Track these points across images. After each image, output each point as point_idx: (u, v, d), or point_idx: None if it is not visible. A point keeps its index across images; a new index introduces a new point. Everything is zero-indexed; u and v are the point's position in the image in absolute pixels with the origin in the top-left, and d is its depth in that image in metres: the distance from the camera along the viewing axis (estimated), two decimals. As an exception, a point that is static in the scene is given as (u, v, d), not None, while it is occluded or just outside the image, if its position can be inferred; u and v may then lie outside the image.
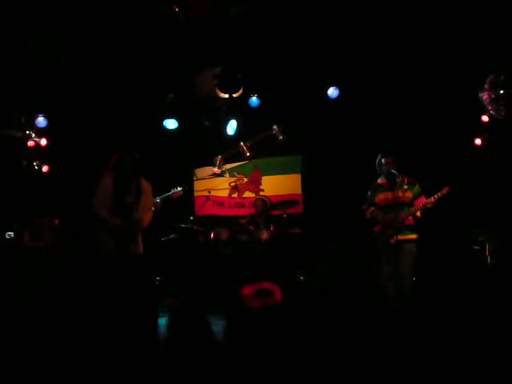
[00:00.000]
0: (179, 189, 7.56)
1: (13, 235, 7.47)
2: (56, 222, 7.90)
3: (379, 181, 6.72)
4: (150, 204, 6.41)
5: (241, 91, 7.81)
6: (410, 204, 6.48)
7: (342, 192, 8.39)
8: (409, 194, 6.49)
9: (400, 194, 6.37)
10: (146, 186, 6.36)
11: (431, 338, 4.63)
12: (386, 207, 6.55)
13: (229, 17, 6.55)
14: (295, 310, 5.24)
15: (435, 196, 6.33)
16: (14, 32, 7.03)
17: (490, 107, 7.31)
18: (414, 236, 6.53)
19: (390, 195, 6.52)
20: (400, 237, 6.32)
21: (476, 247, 7.51)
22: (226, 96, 7.78)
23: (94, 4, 6.64)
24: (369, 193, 6.75)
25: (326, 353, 3.67)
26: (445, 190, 6.31)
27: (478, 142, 8.28)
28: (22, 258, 7.01)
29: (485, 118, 7.93)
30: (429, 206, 6.35)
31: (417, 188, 6.55)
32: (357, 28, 7.40)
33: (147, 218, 6.25)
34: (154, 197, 6.78)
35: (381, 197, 6.61)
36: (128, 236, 5.99)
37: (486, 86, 7.24)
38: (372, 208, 6.64)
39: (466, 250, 7.59)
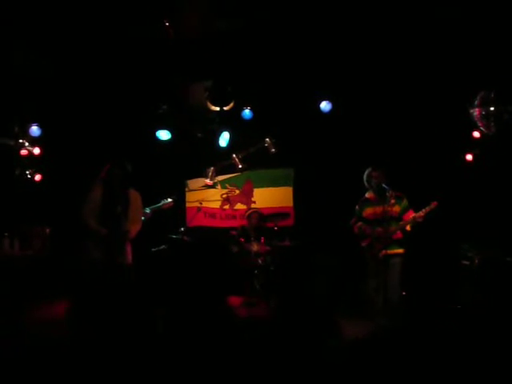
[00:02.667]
0: (169, 200, 7.60)
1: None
2: (47, 230, 7.92)
3: (367, 195, 6.74)
4: (138, 215, 6.43)
5: (232, 104, 7.84)
6: (398, 218, 6.51)
7: (333, 205, 8.40)
8: (396, 208, 6.51)
9: (388, 208, 6.40)
10: (135, 197, 6.38)
11: (418, 353, 4.61)
12: (374, 221, 6.56)
13: (220, 32, 6.60)
14: (285, 323, 5.24)
15: (424, 210, 6.36)
16: (7, 42, 7.07)
17: (480, 123, 7.35)
18: (401, 250, 6.55)
19: (378, 209, 6.54)
20: (388, 251, 6.35)
21: (465, 262, 7.52)
22: (217, 109, 7.82)
23: (89, 17, 6.68)
24: (356, 207, 6.77)
25: (313, 366, 3.67)
26: (433, 205, 6.35)
27: (469, 157, 8.32)
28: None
29: (476, 134, 7.96)
30: (419, 220, 6.38)
31: (404, 202, 6.58)
32: (349, 43, 7.44)
33: (135, 229, 6.28)
34: (144, 207, 6.81)
35: (369, 211, 6.64)
36: (115, 246, 6.01)
37: (476, 102, 7.29)
38: (360, 223, 6.66)
39: (455, 264, 7.59)
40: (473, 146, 8.13)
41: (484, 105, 7.22)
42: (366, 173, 6.72)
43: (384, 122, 8.36)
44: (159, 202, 7.58)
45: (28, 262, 7.26)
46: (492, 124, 7.29)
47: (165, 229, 8.30)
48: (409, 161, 8.18)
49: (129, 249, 6.27)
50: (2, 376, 3.38)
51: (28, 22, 6.40)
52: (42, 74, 7.51)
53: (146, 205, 6.85)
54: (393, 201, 6.43)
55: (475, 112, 7.31)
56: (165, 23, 5.83)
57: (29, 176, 8.43)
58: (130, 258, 6.26)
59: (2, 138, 8.16)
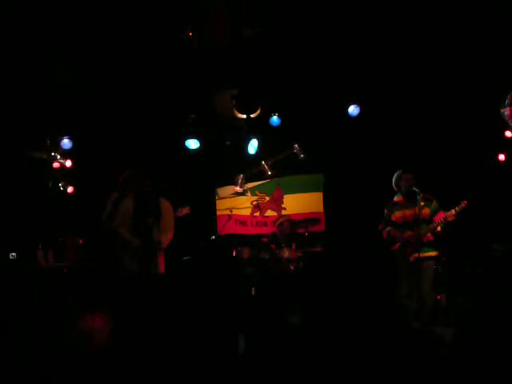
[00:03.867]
0: (185, 207, 7.52)
1: (16, 256, 7.60)
2: (80, 241, 8.02)
3: (396, 199, 6.68)
4: (170, 225, 6.49)
5: (258, 111, 7.85)
6: (429, 220, 6.42)
7: (363, 210, 8.34)
8: (426, 211, 6.43)
9: (419, 210, 6.33)
10: (166, 206, 6.45)
11: (453, 357, 4.56)
12: (404, 225, 6.50)
13: (245, 39, 6.63)
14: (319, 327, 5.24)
15: (456, 209, 6.26)
16: (39, 57, 7.20)
17: (511, 123, 7.25)
18: (434, 253, 6.46)
19: (407, 212, 6.49)
20: (420, 254, 6.26)
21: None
22: (244, 116, 7.84)
23: (116, 30, 6.78)
24: (385, 211, 6.71)
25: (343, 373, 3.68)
26: (463, 204, 6.25)
27: (501, 157, 8.22)
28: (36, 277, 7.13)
29: (508, 134, 7.86)
30: (450, 219, 6.27)
31: (434, 204, 6.49)
32: (377, 45, 7.40)
33: (167, 238, 6.33)
34: None
35: (398, 214, 6.57)
36: (147, 256, 6.07)
37: (507, 101, 7.18)
38: (389, 227, 6.60)
39: (488, 266, 7.49)
40: (505, 145, 8.02)
41: (515, 104, 7.12)
42: (395, 176, 6.67)
43: (413, 123, 8.30)
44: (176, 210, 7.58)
45: (62, 273, 7.36)
46: (524, 123, 7.18)
47: (196, 237, 8.35)
48: (440, 162, 8.10)
49: (161, 258, 6.33)
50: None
51: (57, 38, 6.53)
52: (72, 85, 7.60)
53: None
54: (422, 203, 6.36)
55: (506, 111, 7.20)
56: (189, 33, 5.87)
57: (61, 188, 8.56)
58: (162, 267, 6.32)
59: (35, 152, 8.31)
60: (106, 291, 6.07)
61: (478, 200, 7.13)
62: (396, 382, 3.81)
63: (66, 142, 8.49)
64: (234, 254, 8.17)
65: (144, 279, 5.94)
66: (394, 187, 6.68)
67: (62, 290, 7.07)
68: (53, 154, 8.38)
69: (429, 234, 6.38)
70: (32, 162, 8.35)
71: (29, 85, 7.57)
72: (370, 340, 4.84)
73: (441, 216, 6.36)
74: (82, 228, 8.22)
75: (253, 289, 7.58)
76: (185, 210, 7.27)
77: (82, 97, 7.91)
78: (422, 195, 6.33)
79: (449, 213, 6.28)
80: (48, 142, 8.35)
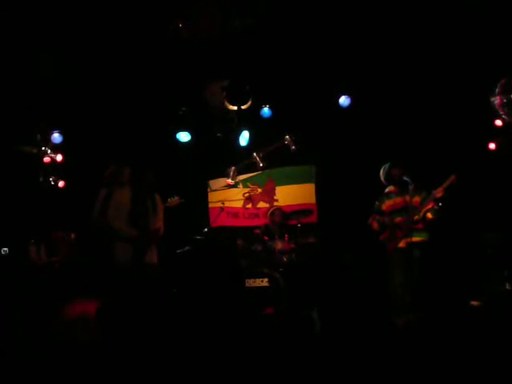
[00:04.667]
0: (175, 197, 7.51)
1: (8, 251, 7.58)
2: (72, 236, 7.99)
3: (387, 190, 6.74)
4: (161, 216, 6.54)
5: (249, 103, 7.85)
6: (419, 208, 6.46)
7: (356, 201, 8.35)
8: (417, 198, 6.49)
9: (408, 198, 6.42)
10: (157, 198, 6.53)
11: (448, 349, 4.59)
12: (393, 212, 6.56)
13: (235, 30, 6.63)
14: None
15: (443, 185, 6.27)
16: (28, 51, 7.17)
17: (502, 112, 7.27)
18: (425, 237, 6.46)
19: (397, 200, 6.55)
20: (411, 239, 6.32)
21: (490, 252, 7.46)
22: (235, 108, 7.84)
23: (106, 24, 6.76)
24: (376, 203, 6.76)
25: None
26: (452, 178, 6.26)
27: (492, 146, 8.23)
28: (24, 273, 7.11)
29: (498, 123, 7.88)
30: (439, 195, 6.27)
31: (424, 192, 6.55)
32: (368, 36, 7.41)
33: (160, 229, 6.41)
34: None
35: (388, 203, 6.63)
36: (144, 246, 6.12)
37: (497, 90, 7.20)
38: (377, 216, 6.65)
39: (480, 255, 7.53)
40: (495, 134, 8.05)
41: (505, 92, 7.14)
42: (383, 170, 6.72)
43: (404, 113, 8.31)
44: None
45: (54, 268, 7.34)
46: (514, 112, 7.20)
47: (188, 230, 8.35)
48: (431, 152, 8.12)
49: (155, 250, 6.36)
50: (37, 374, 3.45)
51: (49, 31, 6.52)
52: (62, 79, 7.55)
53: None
54: (413, 192, 6.44)
55: (496, 100, 7.22)
56: (178, 25, 5.85)
57: (52, 183, 8.52)
58: (156, 258, 6.36)
59: (26, 147, 8.27)
60: (101, 284, 6.05)
61: (468, 189, 7.17)
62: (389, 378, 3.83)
63: (56, 137, 8.45)
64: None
65: (139, 270, 5.97)
66: (384, 181, 6.73)
67: (55, 285, 7.05)
68: (43, 148, 8.34)
69: (419, 223, 6.42)
70: (22, 157, 8.30)
71: (19, 79, 7.53)
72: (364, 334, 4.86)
73: (430, 203, 6.36)
74: (74, 223, 8.19)
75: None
76: (175, 201, 7.26)
77: (73, 91, 7.87)
78: (413, 185, 6.38)
79: (437, 190, 6.28)
80: (38, 136, 8.30)
